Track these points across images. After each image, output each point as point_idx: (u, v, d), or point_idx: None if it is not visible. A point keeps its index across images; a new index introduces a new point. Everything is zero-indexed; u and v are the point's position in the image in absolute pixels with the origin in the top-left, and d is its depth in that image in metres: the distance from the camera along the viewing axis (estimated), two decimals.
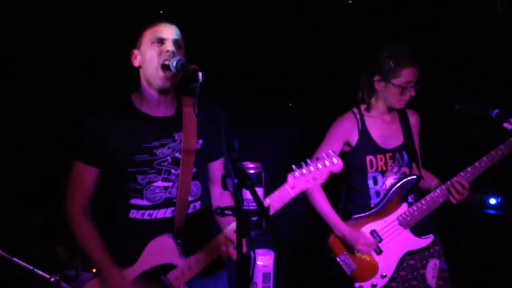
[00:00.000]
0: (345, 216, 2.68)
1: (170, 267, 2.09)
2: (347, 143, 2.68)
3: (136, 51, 2.13)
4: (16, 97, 2.95)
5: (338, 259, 2.63)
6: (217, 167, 2.28)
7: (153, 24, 2.12)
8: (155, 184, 2.10)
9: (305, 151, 2.78)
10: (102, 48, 2.97)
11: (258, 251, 3.18)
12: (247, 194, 1.68)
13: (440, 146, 3.00)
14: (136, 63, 2.14)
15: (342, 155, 2.68)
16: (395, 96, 2.60)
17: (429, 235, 2.66)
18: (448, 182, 2.59)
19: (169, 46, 2.06)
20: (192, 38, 2.19)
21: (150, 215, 2.11)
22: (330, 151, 2.08)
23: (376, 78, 2.62)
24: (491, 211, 3.59)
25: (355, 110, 2.70)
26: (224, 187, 1.67)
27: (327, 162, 2.05)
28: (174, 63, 1.99)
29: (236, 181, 1.63)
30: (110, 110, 2.13)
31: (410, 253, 2.66)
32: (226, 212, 1.72)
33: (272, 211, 2.02)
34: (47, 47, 2.95)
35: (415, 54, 2.57)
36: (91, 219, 2.14)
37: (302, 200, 2.22)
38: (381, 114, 2.70)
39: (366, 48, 2.75)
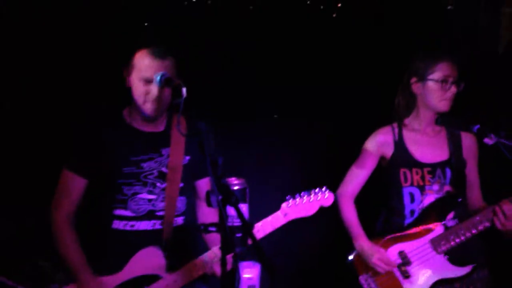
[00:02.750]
0: (380, 236, 2.53)
1: (155, 278, 2.14)
2: (383, 158, 2.57)
3: (126, 72, 2.17)
4: (5, 104, 2.93)
5: (360, 278, 2.48)
6: (203, 185, 2.33)
7: (143, 48, 2.13)
8: (139, 195, 2.16)
9: (292, 165, 2.81)
10: (98, 57, 2.96)
11: (243, 263, 3.17)
12: (231, 211, 1.68)
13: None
14: (126, 83, 2.18)
15: (379, 171, 2.58)
16: (435, 94, 2.43)
17: (468, 265, 2.42)
18: (495, 207, 2.36)
19: (154, 90, 2.09)
20: (176, 52, 2.20)
21: (132, 226, 2.16)
22: (324, 187, 2.24)
23: (413, 80, 2.49)
24: None
25: (394, 124, 2.57)
26: (209, 204, 1.70)
27: (319, 196, 2.23)
28: (158, 78, 2.01)
29: (220, 197, 1.64)
30: (101, 122, 2.20)
31: (443, 283, 2.44)
32: (210, 228, 1.74)
33: (261, 235, 2.15)
34: (41, 53, 2.94)
35: (449, 53, 2.53)
36: (74, 228, 2.19)
37: None
38: (424, 126, 2.53)
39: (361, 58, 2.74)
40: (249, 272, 2.87)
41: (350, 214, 2.57)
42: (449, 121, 2.52)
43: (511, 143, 2.31)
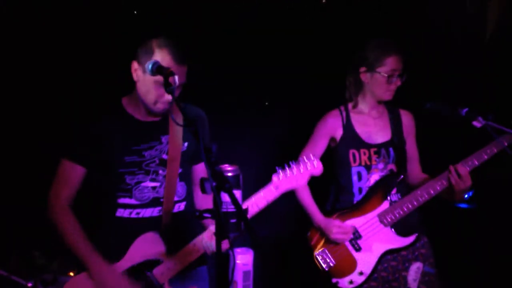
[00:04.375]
0: (330, 213, 2.70)
1: (156, 263, 2.17)
2: (332, 139, 2.71)
3: (138, 66, 2.12)
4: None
5: (316, 254, 2.65)
6: (200, 170, 2.34)
7: (165, 50, 2.07)
8: (143, 184, 2.18)
9: (285, 150, 2.83)
10: (97, 49, 2.95)
11: (237, 250, 3.21)
12: (225, 197, 1.70)
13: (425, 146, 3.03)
14: (135, 77, 2.14)
15: (329, 152, 2.72)
16: (381, 86, 2.61)
17: (412, 234, 2.65)
18: (449, 168, 2.52)
19: (170, 97, 2.04)
20: (170, 36, 2.18)
21: (138, 213, 2.19)
22: (311, 155, 2.22)
23: (362, 69, 2.64)
24: (463, 205, 3.67)
25: (342, 107, 2.74)
26: (203, 190, 1.71)
27: (308, 166, 2.19)
28: (150, 66, 1.99)
29: (214, 184, 1.66)
30: (101, 112, 2.19)
31: (392, 252, 2.65)
32: (205, 215, 1.75)
33: (256, 210, 2.12)
34: (40, 47, 2.91)
35: (398, 44, 2.62)
36: (75, 216, 2.18)
37: (283, 199, 2.31)
38: (368, 109, 2.71)
39: (348, 46, 2.78)
40: (244, 259, 2.90)
41: (304, 195, 2.70)
42: (438, 105, 2.58)
43: (499, 125, 2.39)
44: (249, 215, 2.07)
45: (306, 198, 2.70)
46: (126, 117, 2.19)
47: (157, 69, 1.97)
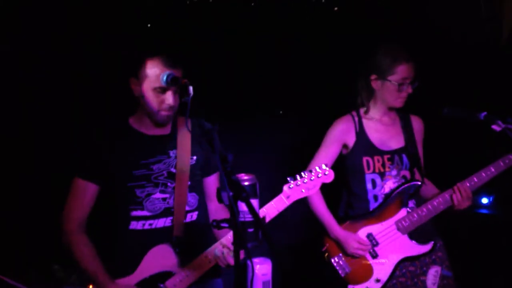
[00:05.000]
0: (345, 219, 2.68)
1: (168, 274, 2.18)
2: (345, 146, 2.69)
3: (135, 81, 2.16)
4: (9, 112, 2.94)
5: (332, 261, 2.63)
6: (211, 182, 2.36)
7: (155, 58, 2.11)
8: (153, 196, 2.20)
9: (299, 158, 2.81)
10: (103, 66, 2.97)
11: (255, 260, 3.18)
12: (242, 206, 1.69)
13: (442, 154, 3.00)
14: (135, 92, 2.19)
15: (341, 158, 2.69)
16: (392, 94, 2.60)
17: (429, 242, 2.63)
18: (454, 187, 2.56)
19: (170, 99, 2.11)
20: (181, 49, 2.23)
21: (150, 224, 2.20)
22: (323, 164, 2.21)
23: (373, 77, 2.63)
24: (484, 211, 3.62)
25: (354, 113, 2.72)
26: (220, 200, 1.72)
27: (319, 174, 2.19)
28: (165, 78, 2.03)
29: (231, 194, 1.66)
30: (110, 130, 2.23)
31: (409, 259, 2.64)
32: (223, 224, 1.74)
33: (267, 219, 2.13)
34: (48, 62, 2.95)
35: (410, 51, 2.59)
36: (87, 236, 2.21)
37: (298, 207, 2.31)
38: (380, 116, 2.70)
39: (360, 52, 2.77)
40: (263, 269, 2.87)
41: (319, 204, 2.68)
42: (456, 110, 2.54)
43: None
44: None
45: (321, 208, 2.67)
46: (133, 133, 2.23)
47: (172, 80, 2.01)
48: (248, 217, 1.70)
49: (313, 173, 2.18)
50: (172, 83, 2.02)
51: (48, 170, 2.89)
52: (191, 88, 1.88)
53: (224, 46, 3.24)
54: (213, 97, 2.95)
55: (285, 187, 2.16)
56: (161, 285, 2.17)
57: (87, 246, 2.19)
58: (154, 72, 2.10)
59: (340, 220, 2.68)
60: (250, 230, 1.72)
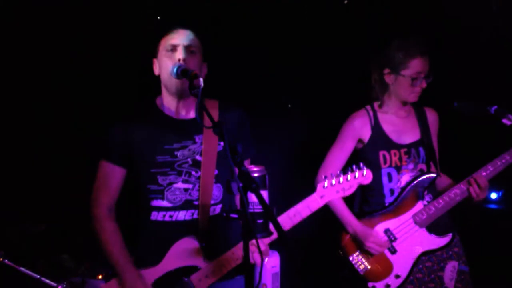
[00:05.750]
0: (360, 216, 2.64)
1: (193, 269, 2.12)
2: (360, 141, 2.66)
3: (155, 60, 2.18)
4: (25, 101, 2.97)
5: (350, 258, 2.59)
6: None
7: (168, 31, 2.14)
8: (175, 185, 2.13)
9: (310, 152, 2.81)
10: (127, 53, 3.02)
11: None
12: (252, 197, 1.69)
13: (454, 145, 2.97)
14: (156, 71, 2.19)
15: (355, 153, 2.67)
16: (406, 89, 2.57)
17: (447, 234, 2.59)
18: (469, 178, 2.53)
19: (180, 54, 2.08)
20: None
21: (171, 216, 2.14)
22: (361, 163, 2.12)
23: (386, 71, 2.60)
24: (492, 206, 3.60)
25: (368, 107, 2.69)
26: (229, 191, 1.69)
27: (357, 174, 2.11)
28: (174, 70, 2.02)
29: (241, 184, 1.65)
30: (134, 111, 2.19)
31: (427, 253, 2.60)
32: (232, 215, 1.73)
33: (299, 219, 2.06)
34: (76, 53, 2.99)
35: (424, 45, 2.56)
36: (116, 223, 2.17)
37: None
38: (395, 110, 2.66)
39: (373, 46, 2.75)
40: (272, 261, 2.87)
41: (336, 200, 2.61)
42: (467, 104, 2.54)
43: None
44: (292, 225, 2.04)
45: (338, 202, 2.62)
46: (160, 115, 2.18)
47: (182, 72, 1.99)
48: (258, 208, 1.70)
49: (349, 173, 2.10)
50: (182, 75, 1.99)
51: (62, 161, 2.92)
52: (201, 79, 1.86)
53: (239, 38, 3.24)
54: (224, 89, 2.97)
55: (319, 186, 2.07)
56: (186, 279, 2.10)
57: (115, 233, 2.14)
58: (166, 37, 2.11)
59: (356, 216, 2.63)
60: (260, 221, 1.72)
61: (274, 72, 3.30)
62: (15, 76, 2.94)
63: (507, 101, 2.56)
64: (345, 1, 3.42)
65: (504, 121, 2.37)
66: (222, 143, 2.17)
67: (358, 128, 2.64)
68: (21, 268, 2.54)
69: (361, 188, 2.65)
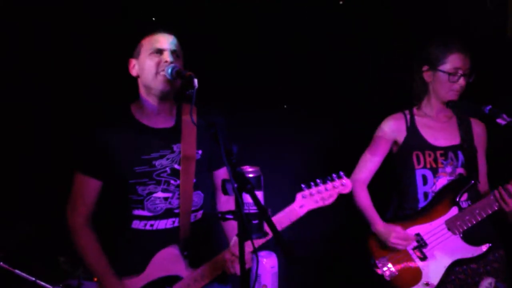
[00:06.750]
0: (392, 221, 2.56)
1: (176, 279, 2.12)
2: (395, 143, 2.61)
3: (134, 61, 2.15)
4: (10, 106, 2.95)
5: (377, 263, 2.52)
6: (222, 174, 2.29)
7: (151, 33, 2.13)
8: (155, 195, 2.12)
9: (305, 153, 2.81)
10: (100, 57, 2.97)
11: (261, 253, 3.18)
12: (247, 198, 1.70)
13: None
14: (134, 72, 2.16)
15: (391, 157, 2.61)
16: (444, 85, 2.49)
17: (483, 244, 2.45)
18: (495, 190, 2.40)
19: (167, 57, 2.07)
20: (186, 41, 2.21)
21: (151, 225, 2.13)
22: (341, 172, 2.10)
23: (425, 68, 2.54)
24: None
25: (406, 111, 2.63)
26: (225, 192, 1.71)
27: (336, 184, 2.09)
28: (169, 70, 2.02)
29: (236, 185, 1.66)
30: (110, 121, 2.16)
31: (461, 263, 2.47)
32: (227, 216, 1.74)
33: (279, 228, 2.02)
34: (45, 58, 2.95)
35: (464, 43, 2.50)
36: (93, 230, 2.16)
37: None
38: (435, 112, 2.58)
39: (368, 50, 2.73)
40: (271, 261, 2.85)
41: (364, 200, 2.59)
42: (461, 103, 2.53)
43: None
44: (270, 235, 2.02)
45: (365, 202, 2.58)
46: (135, 124, 2.14)
47: (177, 73, 2.00)
48: (253, 209, 1.70)
49: (329, 182, 2.08)
50: (177, 75, 1.99)
51: (55, 162, 2.91)
52: (196, 80, 1.85)
53: (232, 39, 3.23)
54: (219, 91, 2.96)
55: (298, 196, 2.07)
56: None
57: (93, 242, 2.14)
58: (149, 39, 2.10)
59: (388, 222, 2.55)
60: (255, 221, 1.72)
61: (268, 73, 3.29)
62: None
63: (501, 100, 2.56)
64: (341, 2, 3.42)
65: (499, 121, 2.32)
66: (200, 152, 2.19)
67: (394, 129, 2.58)
68: (17, 271, 2.53)
69: (397, 194, 2.64)
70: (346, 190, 2.10)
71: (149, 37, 2.13)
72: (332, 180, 2.09)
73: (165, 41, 2.11)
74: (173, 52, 2.10)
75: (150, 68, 2.08)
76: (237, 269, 2.04)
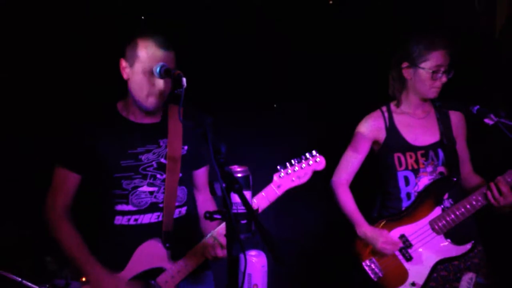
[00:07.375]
0: (376, 221, 2.58)
1: (159, 271, 2.14)
2: (375, 142, 2.60)
3: (125, 63, 2.12)
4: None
5: (364, 264, 2.53)
6: (201, 174, 2.32)
7: (147, 37, 2.07)
8: (140, 189, 2.13)
9: (293, 152, 2.79)
10: (89, 52, 2.93)
11: (251, 252, 3.18)
12: (235, 198, 1.69)
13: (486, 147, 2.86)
14: (125, 75, 2.13)
15: (373, 156, 2.61)
16: (425, 83, 2.45)
17: (467, 243, 2.48)
18: (490, 183, 2.39)
19: (160, 84, 2.05)
20: (175, 39, 2.18)
21: (136, 220, 2.14)
22: (314, 151, 2.15)
23: (404, 65, 2.49)
24: None
25: (384, 108, 2.60)
26: (213, 192, 1.71)
27: (310, 161, 2.15)
28: (158, 69, 2.00)
29: (224, 185, 1.66)
30: (95, 117, 2.16)
31: (444, 262, 2.50)
32: (216, 216, 1.73)
33: (259, 210, 2.09)
34: (32, 52, 2.91)
35: (445, 38, 2.47)
36: (73, 223, 2.16)
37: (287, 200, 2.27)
38: (413, 109, 2.56)
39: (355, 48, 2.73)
40: (261, 261, 2.85)
41: (348, 202, 2.60)
42: (449, 103, 2.54)
43: (511, 122, 2.33)
44: None
45: (349, 204, 2.58)
46: (121, 120, 2.16)
47: (165, 71, 1.98)
48: (241, 209, 1.71)
49: (303, 161, 2.14)
50: (165, 74, 1.98)
51: (40, 162, 2.87)
52: (184, 79, 1.85)
53: (221, 38, 3.22)
54: (208, 89, 2.95)
55: (275, 176, 2.11)
56: (152, 282, 2.13)
57: (73, 232, 2.14)
58: (146, 53, 2.04)
59: (373, 221, 2.57)
60: (243, 221, 1.72)
61: (256, 72, 3.29)
62: None
63: (489, 100, 2.58)
64: (330, 2, 3.42)
65: (487, 121, 2.35)
66: (186, 147, 2.21)
67: (373, 129, 2.57)
68: (1, 271, 2.50)
69: (381, 193, 2.65)
70: (320, 167, 2.15)
71: (145, 42, 2.07)
72: (306, 158, 2.15)
73: (159, 61, 2.01)
74: (160, 72, 2.02)
75: (142, 87, 2.07)
76: (217, 252, 2.08)
